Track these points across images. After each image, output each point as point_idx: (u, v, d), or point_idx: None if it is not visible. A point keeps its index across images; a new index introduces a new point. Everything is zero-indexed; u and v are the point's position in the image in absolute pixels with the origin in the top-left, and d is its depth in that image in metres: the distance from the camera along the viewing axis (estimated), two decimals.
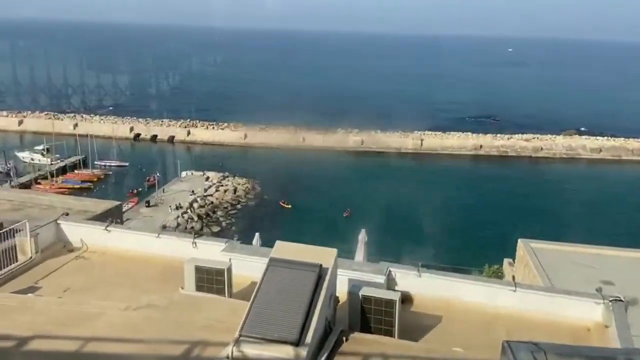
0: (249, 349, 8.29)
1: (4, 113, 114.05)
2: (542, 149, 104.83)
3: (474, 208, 73.45)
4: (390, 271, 12.29)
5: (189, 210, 67.83)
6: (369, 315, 10.39)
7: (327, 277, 9.36)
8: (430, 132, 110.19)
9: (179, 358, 8.55)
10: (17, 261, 13.50)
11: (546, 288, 15.56)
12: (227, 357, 8.31)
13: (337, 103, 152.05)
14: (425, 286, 12.44)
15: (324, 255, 9.86)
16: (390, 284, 12.17)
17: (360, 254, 20.98)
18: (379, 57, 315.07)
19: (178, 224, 62.90)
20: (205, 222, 66.11)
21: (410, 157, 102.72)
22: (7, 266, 13.13)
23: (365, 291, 10.53)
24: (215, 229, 64.14)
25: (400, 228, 62.76)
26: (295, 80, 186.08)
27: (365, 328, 10.31)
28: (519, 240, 25.01)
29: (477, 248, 54.59)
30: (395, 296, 10.48)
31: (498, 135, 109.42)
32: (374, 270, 12.14)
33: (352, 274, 11.80)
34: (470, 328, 11.59)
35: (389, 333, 10.26)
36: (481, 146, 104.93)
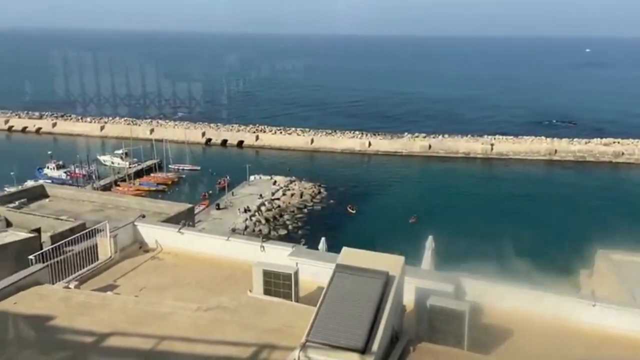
0: (316, 355, 8.30)
1: (88, 119, 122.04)
2: (623, 153, 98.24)
3: (548, 216, 69.92)
4: (459, 280, 11.89)
5: (256, 214, 69.33)
6: (437, 325, 10.09)
7: (394, 285, 9.21)
8: (501, 137, 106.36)
9: None
10: (97, 260, 14.31)
11: (628, 303, 14.47)
12: None
13: (403, 108, 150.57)
14: (496, 297, 11.91)
15: (391, 263, 9.71)
16: (459, 293, 11.77)
17: (427, 262, 20.51)
18: (448, 60, 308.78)
19: (246, 227, 64.41)
20: (272, 225, 67.31)
21: (480, 162, 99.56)
22: (89, 264, 13.94)
23: (433, 300, 10.24)
24: (282, 232, 65.10)
25: (469, 235, 60.69)
26: (361, 85, 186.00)
27: (433, 338, 10.02)
28: (599, 251, 23.46)
29: (551, 258, 51.87)
30: (465, 306, 10.12)
31: (575, 139, 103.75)
32: (443, 279, 11.78)
33: (419, 282, 11.52)
34: (545, 343, 10.98)
35: (458, 345, 9.91)
36: (556, 151, 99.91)
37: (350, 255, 10.06)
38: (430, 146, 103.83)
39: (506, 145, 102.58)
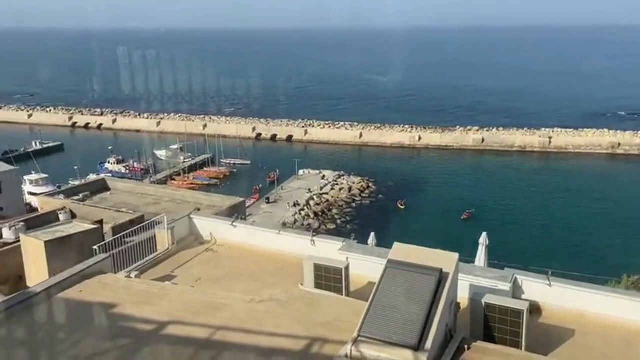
0: (368, 350, 8.28)
1: (146, 115, 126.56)
2: None
3: (610, 212, 66.65)
4: (516, 278, 11.55)
5: (305, 208, 69.89)
6: (492, 324, 9.85)
7: (448, 282, 9.04)
8: (559, 129, 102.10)
9: (299, 353, 8.80)
10: (156, 251, 14.85)
11: None
12: (346, 356, 8.38)
13: (454, 101, 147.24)
14: (555, 296, 11.50)
15: (445, 260, 9.54)
16: (516, 292, 11.44)
17: (481, 259, 20.07)
18: (497, 51, 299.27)
19: (295, 221, 65.07)
20: (321, 219, 67.67)
21: (537, 156, 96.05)
22: (149, 255, 14.49)
23: (489, 299, 10.00)
24: (331, 226, 65.33)
25: (525, 232, 58.93)
26: (410, 78, 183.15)
27: (489, 337, 9.79)
28: None
29: (613, 256, 49.55)
30: (523, 306, 9.82)
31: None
32: (499, 277, 11.47)
33: (474, 279, 11.28)
34: (607, 345, 10.51)
35: (515, 345, 9.64)
36: (619, 144, 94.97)
37: (402, 251, 9.95)
38: (483, 139, 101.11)
39: (565, 139, 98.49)
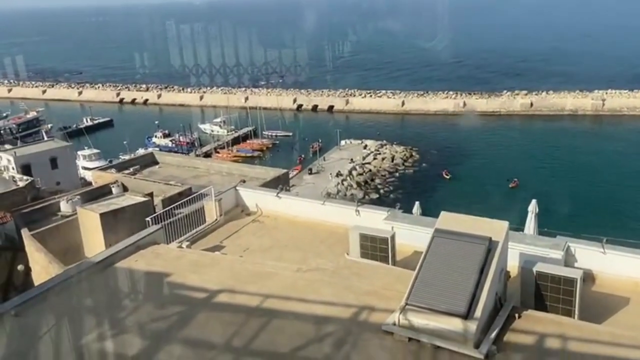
0: (416, 318, 8.30)
1: (189, 89, 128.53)
2: None
3: None
4: (569, 246, 11.23)
5: (348, 178, 69.84)
6: (544, 293, 9.66)
7: (498, 251, 8.89)
8: (612, 91, 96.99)
9: (347, 321, 8.92)
10: (205, 222, 15.24)
11: None
12: (394, 324, 8.44)
13: (500, 64, 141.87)
14: (610, 264, 11.13)
15: (494, 228, 9.36)
16: (569, 260, 11.14)
17: (530, 227, 19.60)
18: (542, 10, 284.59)
19: (338, 191, 65.22)
20: (364, 189, 67.54)
21: (589, 119, 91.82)
22: (198, 226, 14.90)
23: (540, 267, 9.78)
24: (374, 196, 65.13)
25: (577, 200, 56.83)
26: (454, 44, 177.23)
27: (540, 306, 9.62)
28: None
29: None
30: (577, 274, 9.56)
31: None
32: (550, 245, 11.18)
33: (524, 248, 11.05)
34: None
35: (568, 313, 9.44)
36: None
37: (450, 220, 9.82)
38: (532, 104, 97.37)
39: (620, 101, 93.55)
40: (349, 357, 8.08)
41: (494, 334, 8.20)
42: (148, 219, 13.41)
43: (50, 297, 9.83)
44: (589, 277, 10.97)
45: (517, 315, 8.76)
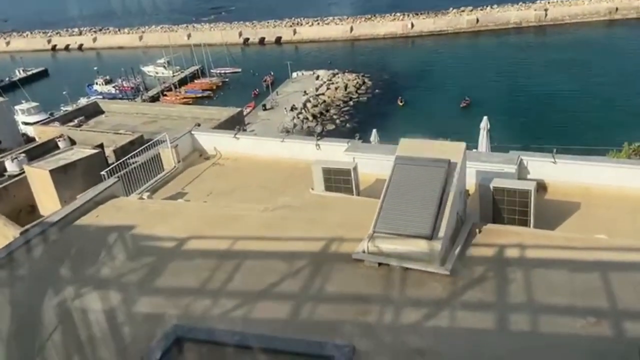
0: (384, 244, 8.59)
1: (126, 30, 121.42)
2: None
3: (607, 82, 65.89)
4: (521, 160, 11.70)
5: (303, 111, 69.26)
6: (501, 206, 10.14)
7: (457, 172, 9.16)
8: (554, 0, 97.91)
9: (318, 254, 9.15)
10: (163, 170, 14.95)
11: None
12: (364, 252, 8.72)
13: None
14: (561, 173, 11.75)
15: (452, 150, 9.58)
16: (522, 173, 11.65)
17: (482, 144, 20.22)
18: None
19: (295, 125, 64.80)
20: (319, 121, 67.32)
21: (533, 31, 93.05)
22: (156, 175, 14.61)
23: (496, 182, 10.20)
24: (330, 127, 65.12)
25: (526, 112, 58.72)
26: None
27: (498, 220, 10.12)
28: None
29: (613, 126, 49.80)
30: (531, 186, 10.05)
31: None
32: (504, 160, 11.62)
33: (480, 165, 11.43)
34: (612, 214, 10.89)
35: (524, 224, 9.99)
36: (617, 9, 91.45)
37: (409, 146, 9.96)
38: (477, 20, 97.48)
39: (561, 9, 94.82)
40: (323, 287, 8.36)
41: (457, 251, 8.62)
42: (103, 172, 13.02)
43: (13, 262, 9.59)
44: (541, 187, 11.55)
45: (477, 230, 9.19)
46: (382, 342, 6.96)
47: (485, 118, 20.26)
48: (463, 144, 9.63)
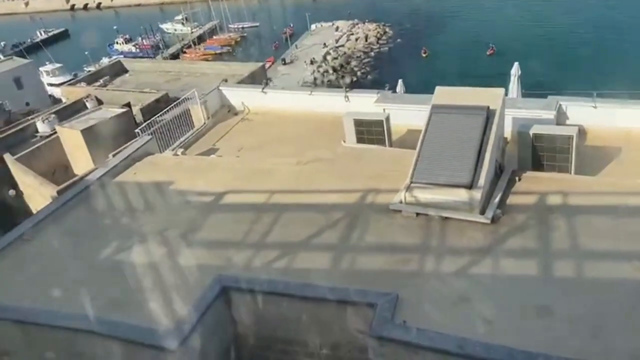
0: (422, 194, 8.55)
1: None
2: None
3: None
4: (560, 105, 11.35)
5: (323, 64, 68.02)
6: (541, 153, 9.94)
7: (496, 119, 8.96)
8: None
9: (354, 205, 9.17)
10: (193, 127, 15.00)
11: None
12: (401, 202, 8.71)
13: None
14: (601, 118, 11.39)
15: (490, 96, 9.35)
16: (560, 118, 11.34)
17: (514, 91, 19.66)
18: None
19: (315, 79, 63.83)
20: (340, 74, 66.12)
21: None
22: (187, 132, 14.68)
23: (536, 129, 9.96)
24: (351, 79, 63.93)
25: (559, 56, 56.42)
26: None
27: (537, 167, 9.95)
28: None
29: None
30: (573, 131, 9.79)
31: None
32: (542, 106, 11.31)
33: (517, 112, 11.15)
34: None
35: (565, 170, 9.81)
36: None
37: (445, 94, 9.75)
38: None
39: None
40: (362, 237, 8.42)
41: (497, 199, 8.55)
42: (137, 130, 13.13)
43: (58, 219, 9.88)
44: (580, 132, 11.25)
45: (517, 178, 9.07)
46: (425, 290, 7.04)
47: (516, 64, 19.60)
48: (502, 90, 9.39)
